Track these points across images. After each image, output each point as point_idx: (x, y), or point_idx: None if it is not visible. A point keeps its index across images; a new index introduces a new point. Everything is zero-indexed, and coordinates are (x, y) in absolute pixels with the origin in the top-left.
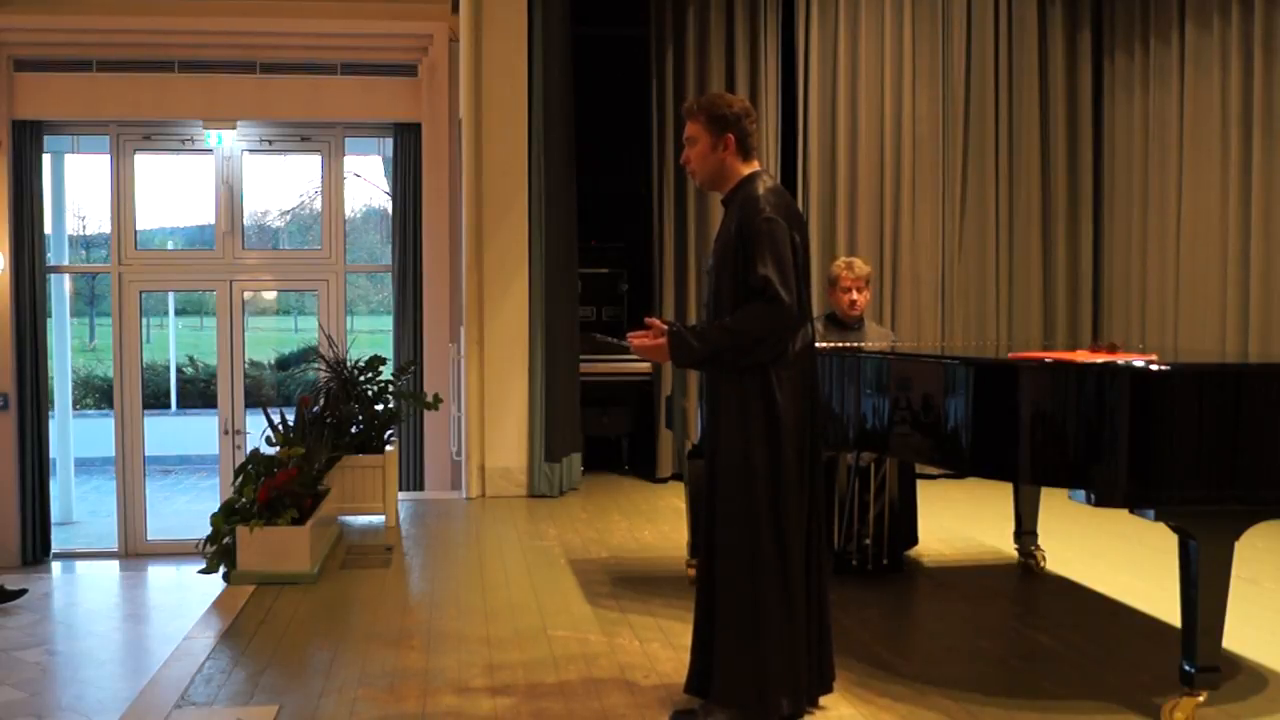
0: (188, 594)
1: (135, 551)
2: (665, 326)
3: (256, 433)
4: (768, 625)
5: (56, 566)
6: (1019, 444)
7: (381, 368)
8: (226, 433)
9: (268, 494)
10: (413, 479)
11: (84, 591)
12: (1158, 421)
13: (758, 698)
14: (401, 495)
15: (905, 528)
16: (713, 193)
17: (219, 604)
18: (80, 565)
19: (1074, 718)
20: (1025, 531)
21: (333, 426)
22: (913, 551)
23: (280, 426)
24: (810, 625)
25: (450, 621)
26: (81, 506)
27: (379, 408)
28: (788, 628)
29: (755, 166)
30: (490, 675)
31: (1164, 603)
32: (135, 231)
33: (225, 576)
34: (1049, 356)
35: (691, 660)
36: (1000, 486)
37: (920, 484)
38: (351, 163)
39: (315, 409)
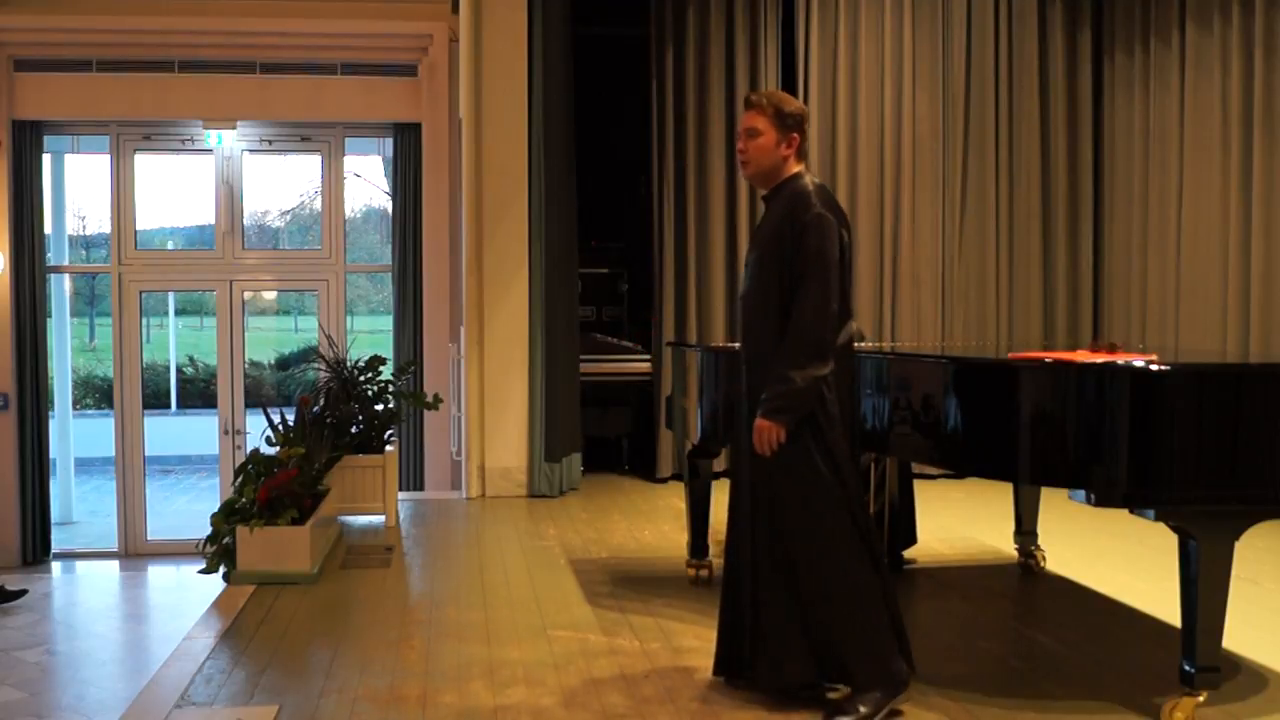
0: (188, 594)
1: (135, 551)
2: (760, 419)
3: (256, 433)
4: (870, 597)
5: (56, 566)
6: (1019, 444)
7: (381, 368)
8: (226, 433)
9: (268, 494)
10: (413, 479)
11: (84, 591)
12: (1158, 421)
13: (886, 671)
14: (401, 495)
15: (905, 527)
16: (756, 187)
17: (219, 604)
18: (80, 565)
19: (1074, 718)
20: (1025, 531)
21: (333, 426)
22: (912, 551)
23: (280, 426)
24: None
25: (450, 621)
26: (81, 506)
27: (379, 408)
28: (883, 595)
29: (802, 167)
30: (490, 675)
31: (1164, 603)
32: (135, 231)
33: (225, 576)
34: (1049, 356)
35: (720, 644)
36: (1000, 486)
37: (920, 484)
38: (351, 163)
39: (315, 409)
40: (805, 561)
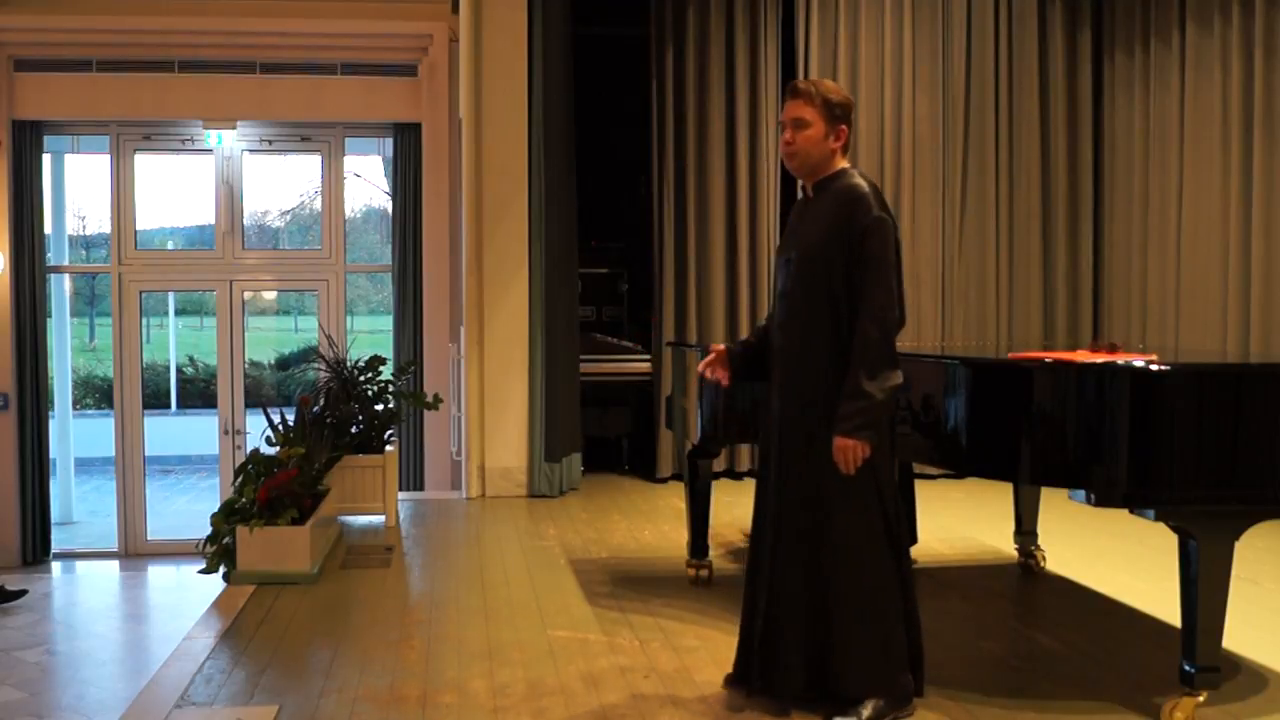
0: (188, 594)
1: (135, 551)
2: (843, 438)
3: (256, 433)
4: (891, 607)
5: (56, 566)
6: (1019, 444)
7: (381, 368)
8: (226, 433)
9: (268, 494)
10: (413, 479)
11: (84, 591)
12: (1158, 421)
13: (893, 681)
14: (401, 495)
15: (905, 527)
16: (802, 180)
17: (219, 604)
18: (80, 565)
19: (1074, 718)
20: (1025, 531)
21: (333, 426)
22: (912, 551)
23: (280, 426)
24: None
25: (450, 621)
26: (81, 506)
27: (379, 408)
28: (904, 606)
29: (848, 161)
30: (490, 675)
31: (1164, 603)
32: (135, 231)
33: (225, 576)
34: (1049, 356)
35: (740, 652)
36: (1000, 486)
37: (920, 484)
38: (351, 163)
39: (315, 409)
40: (831, 565)
